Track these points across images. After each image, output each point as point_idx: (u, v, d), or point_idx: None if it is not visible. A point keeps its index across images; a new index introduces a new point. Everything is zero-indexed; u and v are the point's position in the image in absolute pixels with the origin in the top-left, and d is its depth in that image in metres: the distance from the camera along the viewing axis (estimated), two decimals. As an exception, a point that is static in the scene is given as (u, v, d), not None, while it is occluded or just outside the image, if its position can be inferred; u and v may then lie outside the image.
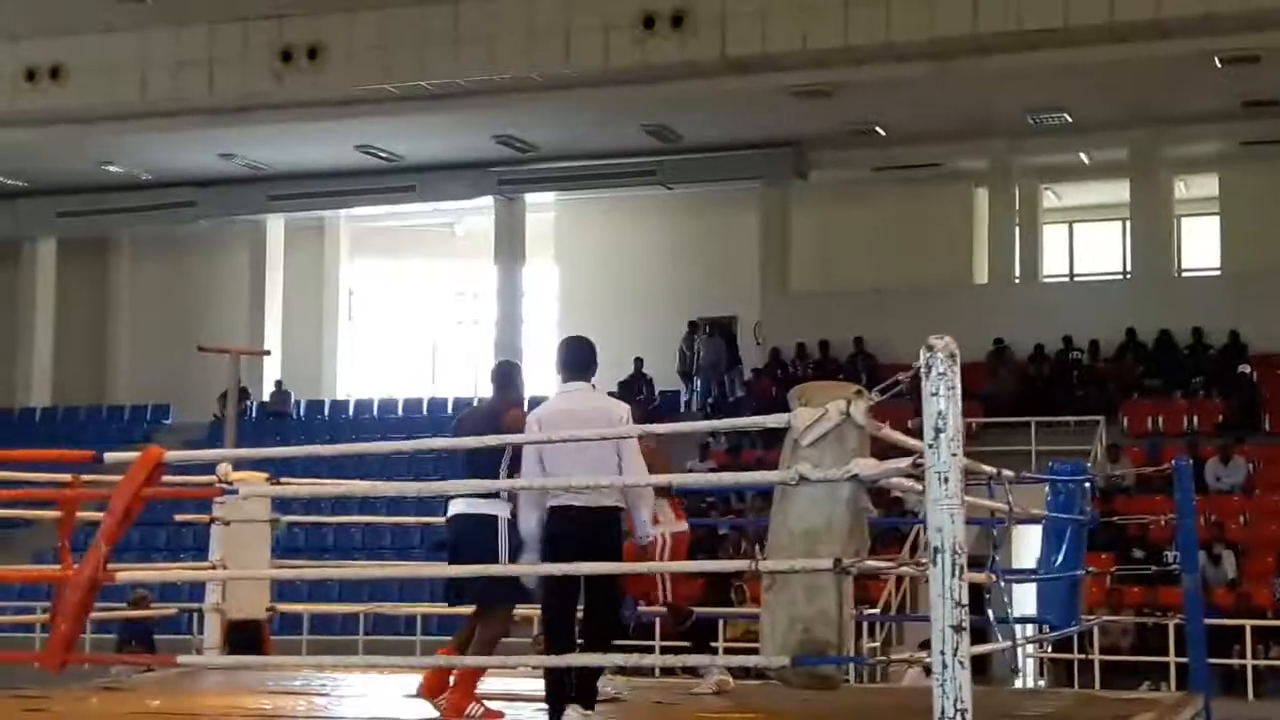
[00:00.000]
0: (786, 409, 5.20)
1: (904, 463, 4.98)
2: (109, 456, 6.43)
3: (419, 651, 17.96)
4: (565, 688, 6.63)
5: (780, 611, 5.13)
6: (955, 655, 4.46)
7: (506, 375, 8.03)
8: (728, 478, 7.24)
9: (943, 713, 4.45)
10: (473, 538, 7.30)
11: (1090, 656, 15.93)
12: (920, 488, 5.57)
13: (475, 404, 7.99)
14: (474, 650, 7.48)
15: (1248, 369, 22.27)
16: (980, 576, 5.62)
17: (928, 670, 10.52)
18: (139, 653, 14.54)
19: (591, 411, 6.72)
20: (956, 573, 4.49)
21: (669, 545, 8.23)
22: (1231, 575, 17.67)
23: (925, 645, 11.81)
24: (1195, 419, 21.95)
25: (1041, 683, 16.60)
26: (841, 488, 5.08)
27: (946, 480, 4.53)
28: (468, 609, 7.75)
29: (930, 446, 4.57)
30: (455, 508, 7.55)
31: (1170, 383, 22.73)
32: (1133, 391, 22.85)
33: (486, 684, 7.70)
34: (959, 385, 4.59)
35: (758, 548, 20.71)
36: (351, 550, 22.26)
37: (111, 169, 27.00)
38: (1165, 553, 18.40)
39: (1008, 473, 6.83)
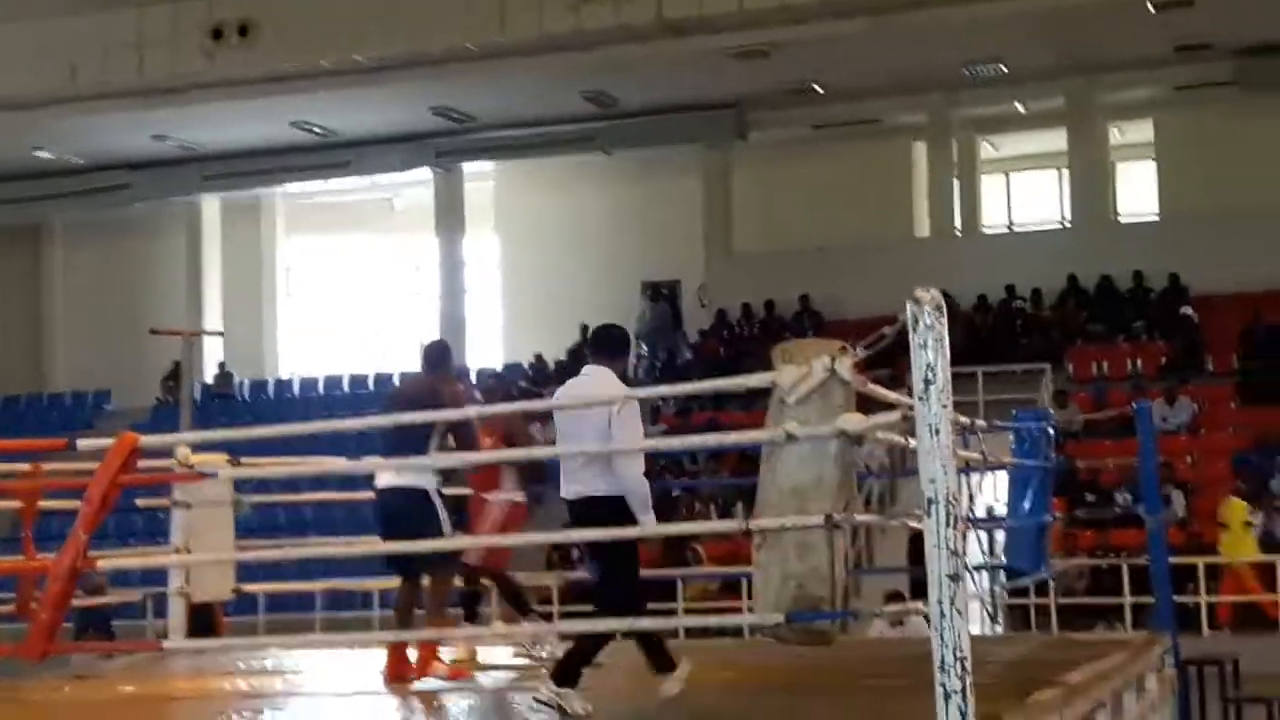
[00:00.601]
0: (734, 371, 5.24)
1: (892, 416, 5.01)
2: (82, 444, 6.36)
3: (377, 627, 17.93)
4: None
5: (773, 569, 5.15)
6: (953, 603, 4.50)
7: (441, 353, 8.41)
8: (712, 439, 7.22)
9: (943, 661, 4.48)
10: (405, 509, 7.66)
11: (1046, 600, 16.11)
12: (901, 441, 5.63)
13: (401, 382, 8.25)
14: (430, 616, 7.84)
15: (1189, 311, 22.52)
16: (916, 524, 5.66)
17: (894, 622, 10.62)
18: (97, 640, 14.43)
19: (587, 391, 6.69)
20: (951, 523, 4.52)
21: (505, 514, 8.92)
22: (1181, 514, 17.91)
23: (891, 596, 11.93)
24: (1139, 362, 22.21)
25: (998, 628, 16.80)
26: (829, 444, 5.10)
27: (938, 432, 4.55)
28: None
29: (920, 399, 4.59)
30: (385, 480, 7.85)
31: (1113, 327, 22.97)
32: (1076, 338, 23.08)
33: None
34: (946, 337, 4.61)
35: (711, 507, 20.85)
36: (304, 528, 22.14)
37: (43, 154, 26.61)
38: (1115, 495, 18.75)
39: (981, 422, 6.90)
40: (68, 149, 26.48)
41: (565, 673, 6.46)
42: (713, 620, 13.96)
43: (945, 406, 4.58)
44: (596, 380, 6.60)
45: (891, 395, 5.26)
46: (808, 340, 5.45)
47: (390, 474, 7.79)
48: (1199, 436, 20.29)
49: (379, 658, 8.96)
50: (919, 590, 8.62)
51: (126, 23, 23.28)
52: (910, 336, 4.62)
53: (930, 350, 4.58)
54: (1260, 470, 18.95)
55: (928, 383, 4.58)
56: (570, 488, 6.48)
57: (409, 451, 7.49)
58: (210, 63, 23.13)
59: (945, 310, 4.62)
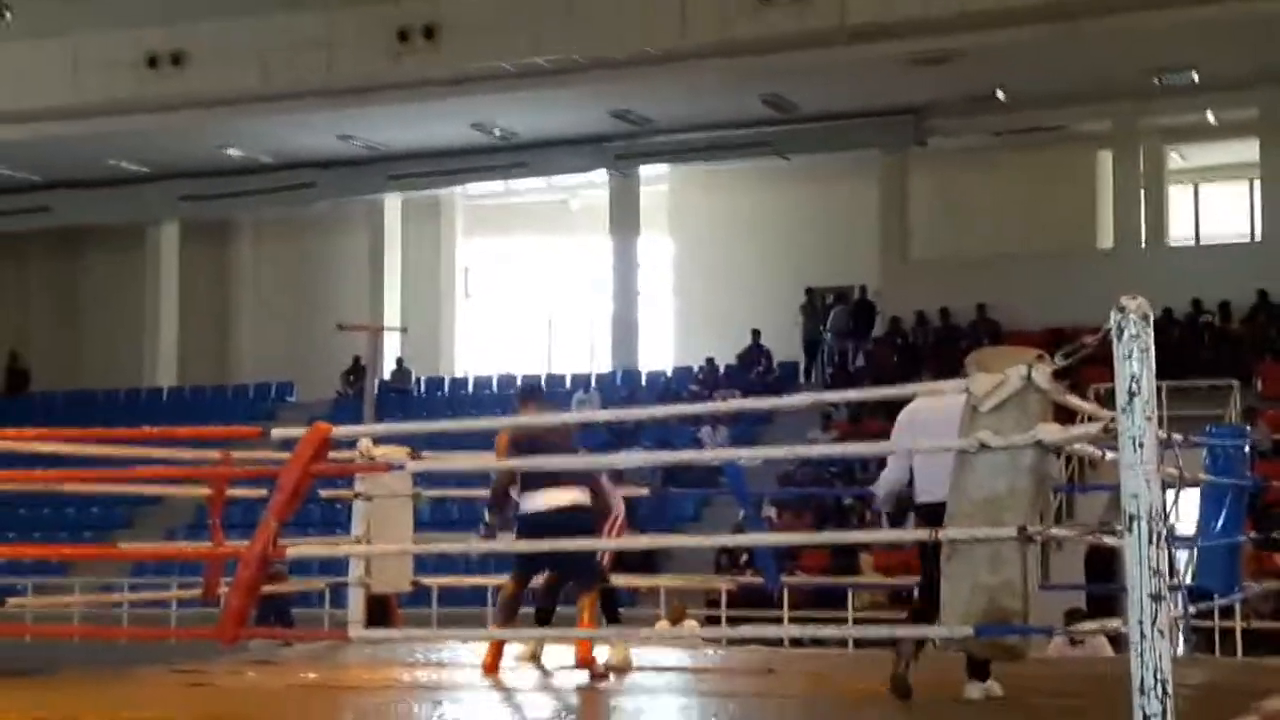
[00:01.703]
0: (907, 379, 5.13)
1: (1093, 428, 4.88)
2: (276, 433, 6.50)
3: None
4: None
5: (963, 581, 5.04)
6: (1154, 624, 4.36)
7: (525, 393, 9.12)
8: (864, 448, 7.09)
9: (1143, 683, 4.35)
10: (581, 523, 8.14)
11: (1231, 624, 15.61)
12: (1100, 453, 5.48)
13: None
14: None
15: (1384, 329, 21.70)
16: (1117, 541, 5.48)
17: (1074, 641, 10.35)
18: (276, 627, 14.75)
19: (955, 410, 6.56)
20: (1154, 540, 4.39)
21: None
22: (1378, 541, 17.21)
23: (1071, 613, 11.64)
24: (1331, 382, 21.45)
25: (1180, 651, 16.34)
26: (1024, 454, 4.99)
27: (1142, 445, 4.42)
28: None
29: (1124, 411, 4.46)
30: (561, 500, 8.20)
31: (1305, 345, 22.21)
32: (1266, 354, 22.36)
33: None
34: (1152, 348, 4.47)
35: (883, 516, 20.62)
36: (476, 523, 22.35)
37: (232, 153, 27.35)
38: (1304, 518, 18.08)
39: (1177, 437, 6.68)
40: (256, 147, 27.19)
41: (978, 668, 6.52)
42: (883, 631, 13.82)
43: (1150, 419, 4.45)
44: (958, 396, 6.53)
45: (1089, 406, 5.12)
46: (1002, 348, 5.34)
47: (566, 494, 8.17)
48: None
49: (555, 653, 9.06)
50: (1097, 607, 8.42)
51: (315, 24, 23.86)
52: (1115, 346, 4.50)
53: (1135, 361, 4.46)
54: None
55: (1132, 395, 4.46)
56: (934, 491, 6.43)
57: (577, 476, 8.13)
58: (396, 64, 23.58)
59: (1151, 319, 4.49)
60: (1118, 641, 10.05)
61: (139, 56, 24.81)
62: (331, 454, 9.76)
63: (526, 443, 8.04)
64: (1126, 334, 4.47)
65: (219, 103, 25.12)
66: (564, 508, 8.10)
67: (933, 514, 6.54)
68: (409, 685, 7.95)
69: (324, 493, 11.12)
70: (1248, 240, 24.94)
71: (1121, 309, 4.48)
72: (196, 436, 8.29)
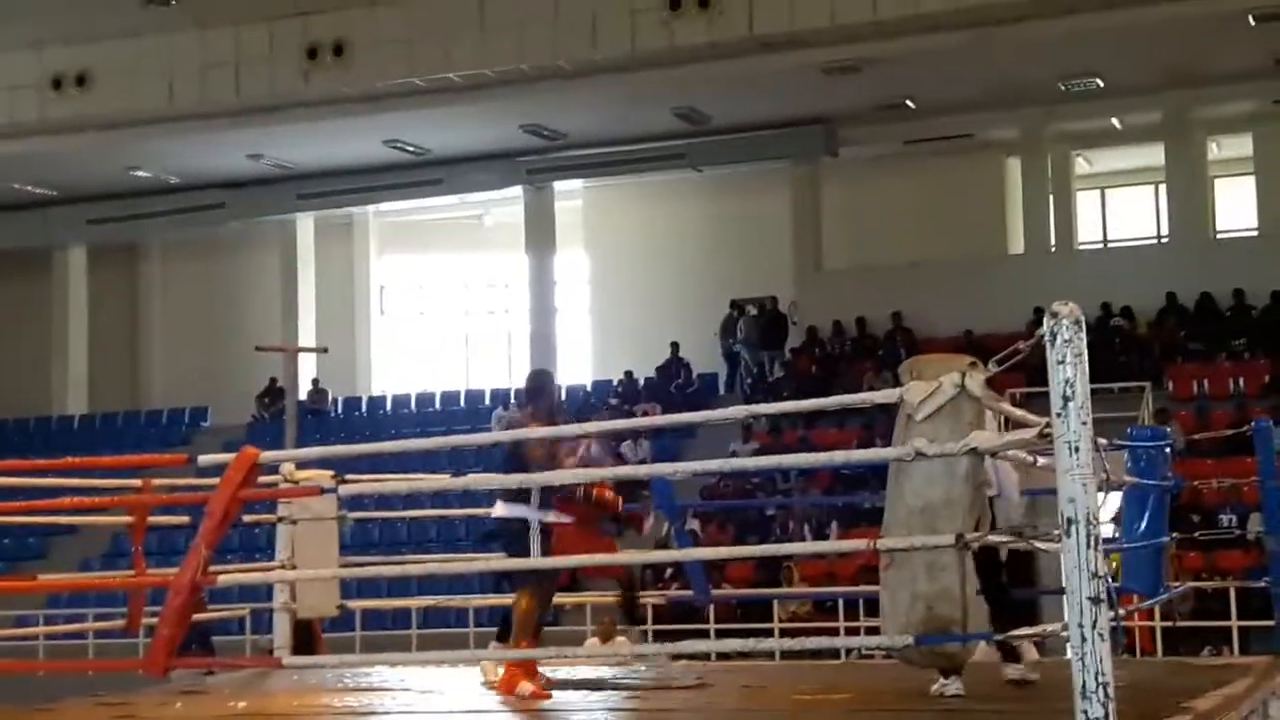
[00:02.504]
0: (826, 389, 5.16)
1: (1028, 433, 4.91)
2: (203, 459, 6.39)
3: (472, 643, 17.96)
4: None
5: (901, 590, 5.05)
6: (1095, 628, 4.39)
7: (531, 387, 8.77)
8: (838, 456, 7.11)
9: (1085, 686, 4.37)
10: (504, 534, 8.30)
11: (1151, 624, 15.81)
12: (1034, 460, 5.51)
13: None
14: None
15: (1291, 328, 22.09)
16: (1055, 545, 5.53)
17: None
18: (198, 655, 14.53)
19: None
20: (1092, 544, 4.41)
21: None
22: (1290, 536, 17.49)
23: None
24: (1242, 381, 21.81)
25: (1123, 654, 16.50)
26: (959, 462, 5.01)
27: (1078, 450, 4.45)
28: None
29: (1059, 415, 4.49)
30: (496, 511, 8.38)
31: (1213, 345, 22.58)
32: (1176, 356, 22.71)
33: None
34: (1085, 352, 4.50)
35: (805, 527, 20.70)
36: (398, 544, 22.27)
37: (140, 174, 27.00)
38: (1220, 516, 18.39)
39: (1102, 440, 6.74)
40: (164, 168, 26.85)
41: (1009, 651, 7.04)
42: (809, 642, 13.85)
43: (1085, 424, 4.48)
44: None
45: (1019, 413, 5.15)
46: (935, 355, 5.36)
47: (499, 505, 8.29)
48: (1305, 456, 19.83)
49: (473, 673, 8.97)
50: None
51: (223, 42, 23.62)
52: (1047, 351, 4.52)
53: (1069, 366, 4.49)
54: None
55: (1066, 399, 4.49)
56: None
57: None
58: (305, 82, 23.39)
59: (1083, 324, 4.52)
60: (1042, 646, 10.13)
61: (43, 77, 24.42)
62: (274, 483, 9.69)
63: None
64: (1060, 339, 4.51)
65: (125, 123, 24.79)
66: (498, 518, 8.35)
67: None
68: (339, 711, 7.84)
69: (247, 518, 11.00)
70: (1155, 243, 25.34)
71: (1054, 314, 4.51)
72: (120, 466, 8.13)
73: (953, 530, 4.96)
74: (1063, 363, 4.49)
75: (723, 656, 13.01)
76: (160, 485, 9.65)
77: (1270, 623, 9.55)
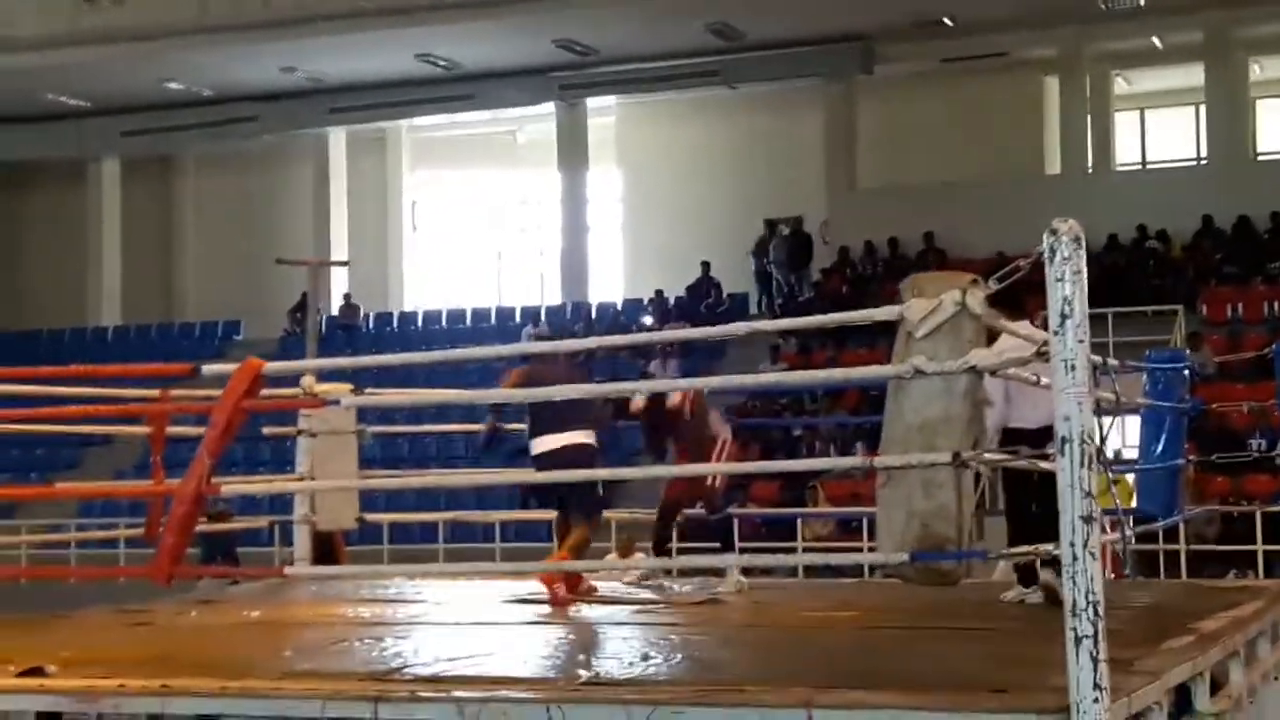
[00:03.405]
0: (856, 307, 5.11)
1: (1026, 350, 4.85)
2: (206, 369, 6.39)
3: (498, 558, 18.09)
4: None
5: (897, 508, 5.02)
6: (1085, 546, 4.35)
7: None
8: (838, 374, 7.08)
9: (1074, 605, 4.34)
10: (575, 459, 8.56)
11: (1177, 547, 15.77)
12: (1035, 378, 5.46)
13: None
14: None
15: (1329, 251, 21.85)
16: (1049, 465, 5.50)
17: (1016, 566, 10.39)
18: (225, 565, 14.67)
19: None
20: (1086, 463, 4.37)
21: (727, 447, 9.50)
22: (1317, 461, 17.38)
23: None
24: (1276, 305, 21.59)
25: (1127, 573, 16.47)
26: (959, 380, 4.95)
27: (1074, 368, 4.39)
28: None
29: (1056, 333, 4.43)
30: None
31: (1249, 269, 22.34)
32: (1211, 279, 22.49)
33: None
34: (1084, 270, 4.44)
35: (831, 447, 20.68)
36: (426, 460, 22.37)
37: (173, 86, 26.99)
38: (1249, 441, 18.26)
39: (1113, 361, 6.67)
40: (197, 81, 26.83)
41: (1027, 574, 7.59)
42: (832, 559, 13.86)
43: (1082, 342, 4.42)
44: None
45: (1024, 330, 5.09)
46: (937, 273, 5.31)
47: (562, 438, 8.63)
48: (1336, 381, 19.65)
49: (500, 588, 9.04)
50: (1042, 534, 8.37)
51: (256, -47, 23.52)
52: (1046, 269, 4.46)
53: (1068, 284, 4.41)
54: (1400, 417, 18.30)
55: (1064, 317, 4.42)
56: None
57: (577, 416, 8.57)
58: (335, -7, 23.28)
59: (1083, 241, 4.45)
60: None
61: (76, -11, 24.42)
62: (276, 390, 9.72)
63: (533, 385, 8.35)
64: (1059, 256, 4.43)
65: (157, 35, 24.74)
66: (558, 449, 8.61)
67: (1018, 437, 7.12)
68: (351, 621, 7.90)
69: (267, 430, 11.07)
70: (1193, 165, 25.01)
71: (1053, 231, 4.44)
72: (125, 374, 8.16)
73: (950, 448, 4.92)
74: (1061, 280, 4.42)
75: (745, 573, 13.06)
76: (179, 396, 9.70)
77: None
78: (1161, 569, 15.80)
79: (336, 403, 7.44)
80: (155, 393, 9.68)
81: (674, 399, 9.24)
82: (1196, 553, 15.86)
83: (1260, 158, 24.73)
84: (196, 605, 8.93)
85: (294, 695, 5.19)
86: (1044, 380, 6.63)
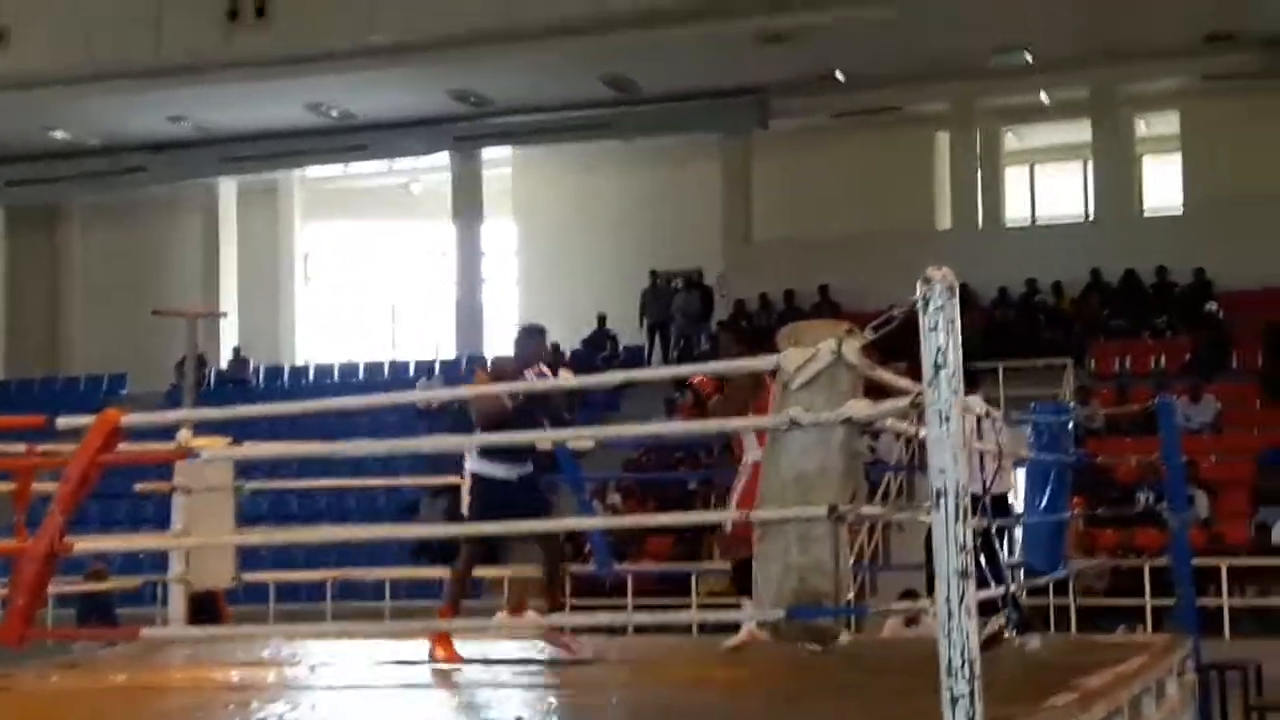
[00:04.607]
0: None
1: (901, 403, 4.75)
2: (61, 421, 6.12)
3: (387, 617, 17.73)
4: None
5: (774, 562, 4.89)
6: (962, 603, 4.24)
7: (519, 341, 8.92)
8: (713, 424, 6.95)
9: (950, 663, 4.22)
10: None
11: (1066, 601, 15.81)
12: (911, 430, 5.36)
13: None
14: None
15: (1214, 306, 22.18)
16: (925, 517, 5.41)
17: (908, 621, 10.33)
18: (99, 627, 14.22)
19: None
20: (961, 516, 4.26)
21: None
22: (1205, 515, 17.59)
23: (905, 595, 11.63)
24: (1163, 359, 21.87)
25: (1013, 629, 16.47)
26: (835, 431, 4.84)
27: (948, 419, 4.29)
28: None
29: (930, 384, 4.33)
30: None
31: (1136, 323, 22.62)
32: (1099, 333, 22.74)
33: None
34: (958, 319, 4.34)
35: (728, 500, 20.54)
36: (316, 517, 21.97)
37: (58, 135, 26.47)
38: (1137, 494, 18.40)
39: (996, 412, 6.62)
40: (84, 130, 26.34)
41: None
42: (723, 616, 13.72)
43: (955, 393, 4.32)
44: None
45: (901, 381, 4.99)
46: (815, 322, 5.19)
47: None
48: (1223, 435, 19.94)
49: (381, 648, 8.79)
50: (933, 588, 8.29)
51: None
52: (920, 318, 4.36)
53: (941, 333, 4.32)
54: (1284, 471, 18.60)
55: (938, 367, 4.32)
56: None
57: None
58: (227, 42, 22.96)
59: (957, 290, 4.36)
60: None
61: (-45, 34, 23.88)
62: (153, 445, 9.40)
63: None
64: (932, 305, 4.34)
65: (43, 82, 24.25)
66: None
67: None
68: (220, 685, 7.62)
69: (139, 486, 10.71)
70: (1081, 220, 25.35)
71: (927, 280, 4.35)
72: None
73: (827, 501, 4.80)
74: (935, 330, 4.32)
75: (639, 630, 12.89)
76: (47, 450, 9.37)
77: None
78: (1052, 624, 15.84)
79: (198, 456, 7.15)
80: (21, 447, 9.36)
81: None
82: (1085, 607, 15.92)
83: (1146, 213, 25.10)
84: (60, 670, 8.59)
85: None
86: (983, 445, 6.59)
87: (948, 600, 4.25)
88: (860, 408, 4.82)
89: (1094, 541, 16.79)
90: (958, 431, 4.29)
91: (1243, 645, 14.91)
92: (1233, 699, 10.67)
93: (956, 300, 4.35)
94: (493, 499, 7.97)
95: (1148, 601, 15.15)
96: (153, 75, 23.81)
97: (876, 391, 5.06)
